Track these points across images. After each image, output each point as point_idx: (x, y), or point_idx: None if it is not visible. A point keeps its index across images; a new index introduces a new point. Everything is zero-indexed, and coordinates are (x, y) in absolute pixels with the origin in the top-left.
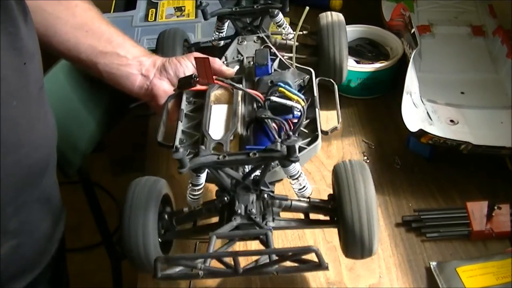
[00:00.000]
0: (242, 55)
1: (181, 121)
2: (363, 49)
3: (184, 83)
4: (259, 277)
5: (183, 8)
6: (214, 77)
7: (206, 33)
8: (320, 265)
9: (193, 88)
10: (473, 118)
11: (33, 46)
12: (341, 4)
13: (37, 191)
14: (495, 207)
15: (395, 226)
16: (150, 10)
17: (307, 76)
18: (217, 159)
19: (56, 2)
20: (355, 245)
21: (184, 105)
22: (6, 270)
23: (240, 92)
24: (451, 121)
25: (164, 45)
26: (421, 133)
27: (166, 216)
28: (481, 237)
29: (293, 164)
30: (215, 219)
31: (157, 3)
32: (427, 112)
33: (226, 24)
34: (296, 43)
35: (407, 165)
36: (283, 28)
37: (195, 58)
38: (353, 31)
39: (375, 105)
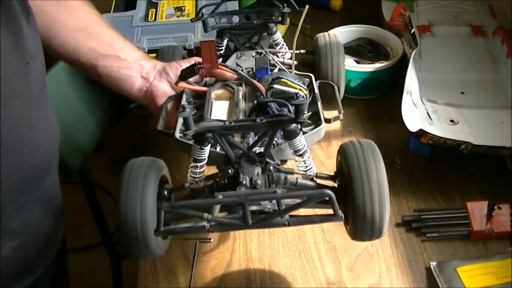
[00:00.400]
0: (241, 67)
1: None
2: (363, 49)
3: (187, 73)
4: (259, 276)
5: (183, 8)
6: (218, 63)
7: (206, 34)
8: (334, 214)
9: (193, 88)
10: (473, 118)
11: (35, 46)
12: (341, 4)
13: (39, 192)
14: (495, 207)
15: (395, 226)
16: (150, 10)
17: (307, 80)
18: (223, 124)
19: (57, 3)
20: (365, 226)
21: (184, 103)
22: (8, 270)
23: (241, 92)
24: (451, 121)
25: (163, 61)
26: (421, 133)
27: (165, 193)
28: (481, 237)
29: (299, 137)
30: None
31: (157, 3)
32: (427, 112)
33: (225, 41)
34: (300, 51)
35: (407, 165)
36: (280, 47)
37: (201, 42)
38: (353, 31)
39: (375, 105)
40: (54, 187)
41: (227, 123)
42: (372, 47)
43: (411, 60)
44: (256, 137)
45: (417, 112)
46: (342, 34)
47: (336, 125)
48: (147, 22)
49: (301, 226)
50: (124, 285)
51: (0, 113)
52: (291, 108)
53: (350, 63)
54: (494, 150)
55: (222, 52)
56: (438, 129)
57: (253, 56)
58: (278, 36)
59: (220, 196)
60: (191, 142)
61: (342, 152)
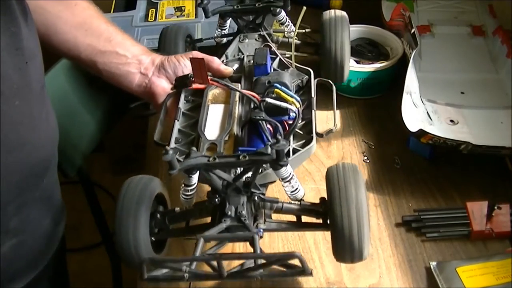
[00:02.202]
0: (243, 54)
1: (178, 120)
2: (363, 49)
3: (180, 83)
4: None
5: (183, 8)
6: (209, 77)
7: (206, 33)
8: (303, 271)
9: (193, 87)
10: (473, 118)
11: (34, 45)
12: (341, 4)
13: (39, 190)
14: (495, 207)
15: (395, 226)
16: (150, 10)
17: (306, 77)
18: (207, 161)
19: (56, 1)
20: (345, 249)
21: (182, 103)
22: (7, 269)
23: (238, 93)
24: (451, 121)
25: (166, 40)
26: (421, 133)
27: (158, 215)
28: (481, 237)
29: (284, 167)
30: (208, 219)
31: (157, 3)
32: (427, 112)
33: (228, 22)
34: (297, 41)
35: (407, 165)
36: (286, 26)
37: (191, 59)
38: (353, 31)
39: (375, 105)
40: (54, 186)
41: (211, 159)
42: (372, 47)
43: (411, 60)
44: (241, 170)
45: (417, 112)
46: None
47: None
48: (147, 22)
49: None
50: (124, 285)
51: (0, 113)
52: (279, 127)
53: (350, 63)
54: (494, 150)
55: (226, 31)
56: (438, 129)
57: (256, 40)
58: (283, 15)
59: (202, 240)
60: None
61: (327, 177)
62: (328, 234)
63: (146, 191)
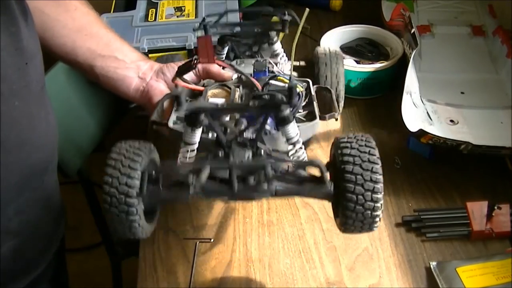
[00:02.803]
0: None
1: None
2: (363, 49)
3: (184, 68)
4: (259, 276)
5: (183, 8)
6: (215, 58)
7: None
8: (323, 184)
9: (190, 87)
10: (473, 118)
11: (34, 46)
12: (341, 4)
13: (39, 191)
14: (495, 207)
15: (395, 226)
16: (150, 10)
17: (305, 84)
18: (216, 105)
19: (55, 4)
20: (357, 218)
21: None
22: (7, 269)
23: (237, 92)
24: (451, 121)
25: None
26: (421, 133)
27: (154, 173)
28: (481, 237)
29: (292, 124)
30: None
31: (157, 3)
32: (427, 112)
33: (225, 49)
34: (300, 63)
35: (407, 165)
36: (280, 58)
37: (198, 37)
38: (353, 31)
39: (375, 105)
40: (53, 186)
41: (219, 104)
42: (372, 47)
43: (411, 60)
44: (247, 124)
45: (417, 112)
46: (342, 34)
47: (336, 125)
48: (147, 22)
49: (301, 227)
50: (124, 285)
51: (0, 113)
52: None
53: (350, 63)
54: (494, 150)
55: (223, 58)
56: (438, 129)
57: (253, 64)
58: (279, 46)
59: (208, 168)
60: (183, 130)
61: (336, 144)
62: (328, 234)
63: (141, 151)
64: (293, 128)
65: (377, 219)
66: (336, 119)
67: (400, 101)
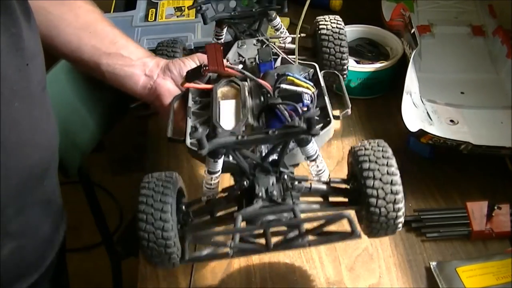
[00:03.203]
0: (243, 57)
1: (190, 118)
2: (363, 49)
3: (192, 75)
4: (259, 276)
5: (183, 8)
6: (225, 64)
7: (206, 33)
8: (352, 233)
9: (198, 87)
10: (473, 118)
11: (35, 47)
12: (341, 4)
13: (38, 193)
14: (495, 207)
15: None
16: (150, 10)
17: (311, 70)
18: (236, 139)
19: (60, 3)
20: (381, 225)
21: (190, 103)
22: (7, 272)
23: (246, 87)
24: (451, 121)
25: (163, 52)
26: (421, 133)
27: (183, 207)
28: (481, 237)
29: (311, 144)
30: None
31: (157, 3)
32: (427, 112)
33: (224, 30)
34: (301, 35)
35: (407, 165)
36: (281, 32)
37: (206, 46)
38: (353, 31)
39: (375, 105)
40: (54, 189)
41: (239, 137)
42: (372, 47)
43: (411, 60)
44: (269, 148)
45: (417, 112)
46: None
47: (336, 125)
48: (147, 22)
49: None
50: (124, 285)
51: (0, 114)
52: (300, 109)
53: (350, 63)
54: (494, 150)
55: (222, 40)
56: (438, 129)
57: (254, 45)
58: (278, 21)
59: (240, 217)
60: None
61: (354, 154)
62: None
63: (169, 183)
64: (312, 147)
65: (400, 224)
66: (349, 114)
67: (400, 101)
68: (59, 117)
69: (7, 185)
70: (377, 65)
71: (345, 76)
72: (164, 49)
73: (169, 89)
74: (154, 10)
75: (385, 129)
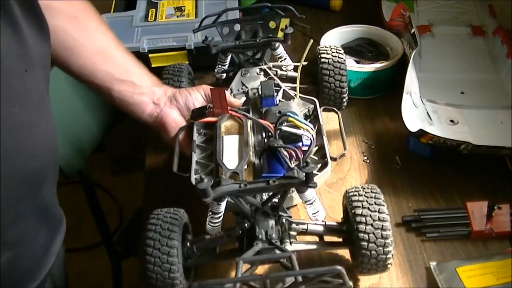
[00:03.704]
0: (246, 87)
1: (195, 152)
2: (363, 49)
3: (197, 114)
4: None
5: (183, 8)
6: (228, 108)
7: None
8: (344, 284)
9: (204, 120)
10: (473, 118)
11: (39, 55)
12: (341, 4)
13: (36, 201)
14: (495, 207)
15: (395, 226)
16: (150, 10)
17: (312, 106)
18: (239, 187)
19: (76, 22)
20: (371, 265)
21: (195, 136)
22: (4, 282)
23: (249, 123)
24: (451, 121)
25: (170, 77)
26: (421, 133)
27: (188, 244)
28: (481, 237)
29: (308, 190)
30: (230, 245)
31: (157, 3)
32: (427, 112)
33: (228, 57)
34: (295, 73)
35: (407, 165)
36: (284, 60)
37: (211, 89)
38: (353, 31)
39: (375, 105)
40: (51, 197)
41: (242, 186)
42: (372, 47)
43: (411, 60)
44: (269, 195)
45: (417, 112)
46: (342, 34)
47: (336, 125)
48: (147, 22)
49: (298, 209)
50: (124, 285)
51: None
52: (299, 151)
53: (350, 63)
54: (494, 150)
55: (226, 67)
56: (438, 129)
57: (257, 73)
58: (281, 50)
59: (241, 262)
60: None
61: (348, 198)
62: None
63: (176, 220)
64: (309, 193)
65: (389, 263)
66: (345, 156)
67: (400, 101)
68: (59, 118)
69: (4, 191)
70: (377, 65)
71: (343, 107)
72: (170, 77)
73: (175, 119)
74: (154, 10)
75: (385, 129)
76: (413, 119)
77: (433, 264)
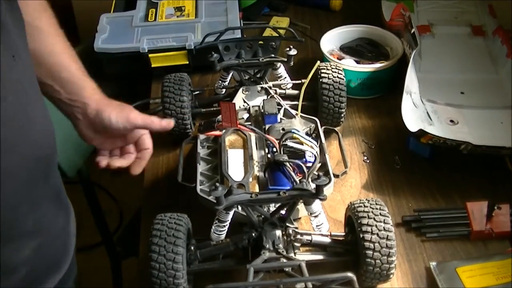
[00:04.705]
0: (248, 104)
1: (199, 164)
2: (363, 49)
3: (206, 127)
4: None
5: (183, 8)
6: (238, 121)
7: (206, 33)
8: None
9: (209, 133)
10: (473, 118)
11: (22, 44)
12: (341, 4)
13: (47, 187)
14: (495, 207)
15: (395, 226)
16: (150, 10)
17: (313, 125)
18: (250, 197)
19: (56, 34)
20: (375, 276)
21: (199, 148)
22: (33, 273)
23: (253, 139)
24: (451, 121)
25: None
26: (421, 133)
27: (192, 248)
28: (481, 237)
29: (315, 202)
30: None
31: (157, 3)
32: (427, 112)
33: (230, 74)
34: (294, 91)
35: (407, 165)
36: (284, 79)
37: (221, 103)
38: (353, 31)
39: (375, 105)
40: (60, 181)
41: (253, 196)
42: (372, 47)
43: (411, 60)
44: (277, 206)
45: (417, 112)
46: (342, 34)
47: (334, 139)
48: (147, 22)
49: (301, 227)
50: (124, 285)
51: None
52: (303, 165)
53: (350, 63)
54: (494, 150)
55: (226, 83)
56: (438, 129)
57: (258, 92)
58: (282, 70)
59: (252, 269)
60: (211, 198)
61: (353, 209)
62: None
63: (180, 226)
64: (316, 205)
65: (392, 272)
66: (347, 173)
67: (400, 101)
68: (59, 118)
69: (15, 181)
70: (377, 65)
71: (341, 123)
72: (171, 85)
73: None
74: (154, 10)
75: (385, 129)
76: (413, 119)
77: (433, 264)
